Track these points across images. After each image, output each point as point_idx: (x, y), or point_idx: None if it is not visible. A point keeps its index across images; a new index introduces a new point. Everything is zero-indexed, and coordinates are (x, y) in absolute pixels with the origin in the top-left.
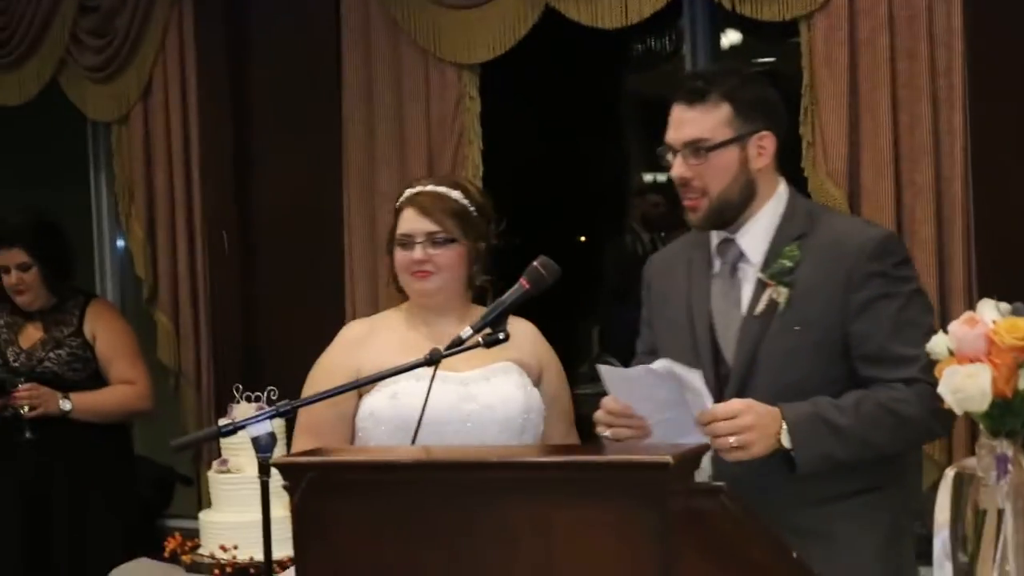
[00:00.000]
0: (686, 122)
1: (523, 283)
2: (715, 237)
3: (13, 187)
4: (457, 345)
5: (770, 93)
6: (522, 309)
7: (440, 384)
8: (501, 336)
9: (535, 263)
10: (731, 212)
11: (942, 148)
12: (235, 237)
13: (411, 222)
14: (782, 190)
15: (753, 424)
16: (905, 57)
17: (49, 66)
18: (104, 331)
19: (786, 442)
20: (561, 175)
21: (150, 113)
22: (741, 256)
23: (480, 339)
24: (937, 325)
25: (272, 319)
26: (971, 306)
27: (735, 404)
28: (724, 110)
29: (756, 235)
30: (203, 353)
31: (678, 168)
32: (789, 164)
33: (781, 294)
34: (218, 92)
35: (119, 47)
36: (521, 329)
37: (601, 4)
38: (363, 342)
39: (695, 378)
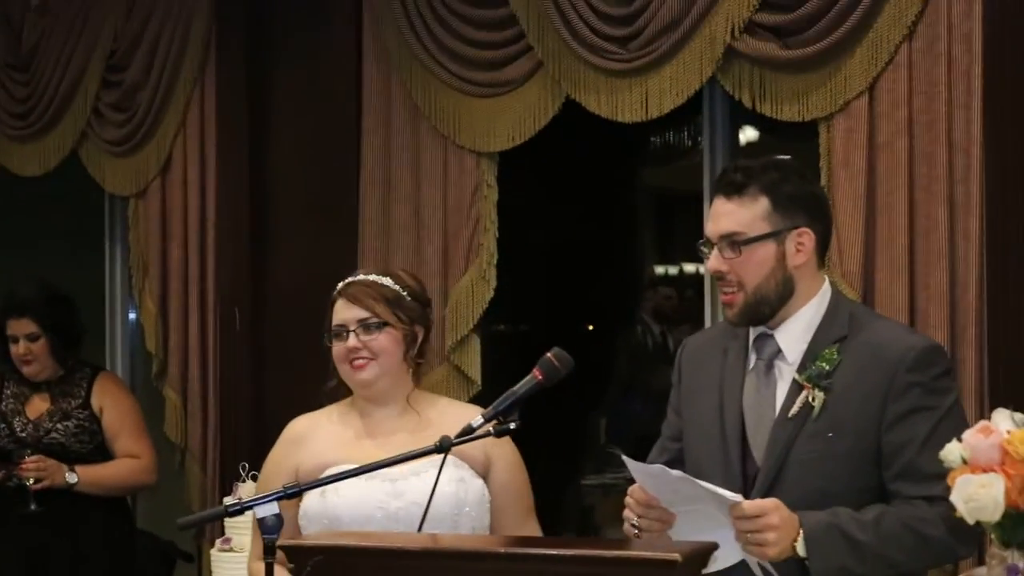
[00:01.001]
0: (723, 215)
1: (536, 374)
2: (753, 331)
3: (29, 257)
4: (468, 433)
5: (813, 189)
6: (529, 397)
7: (366, 481)
8: (512, 426)
9: (549, 355)
10: (768, 308)
11: (957, 253)
12: (248, 315)
13: (342, 312)
14: (825, 288)
15: (777, 525)
16: (923, 162)
17: (70, 138)
18: (111, 405)
19: (801, 550)
20: (573, 264)
21: (168, 188)
22: (778, 353)
23: (491, 428)
24: None
25: (281, 399)
26: (983, 413)
27: (765, 503)
28: (762, 204)
29: (794, 333)
30: (210, 430)
31: (714, 261)
32: None
33: (817, 398)
34: (237, 170)
35: (140, 122)
36: (455, 413)
37: (622, 98)
38: (302, 440)
39: (723, 492)
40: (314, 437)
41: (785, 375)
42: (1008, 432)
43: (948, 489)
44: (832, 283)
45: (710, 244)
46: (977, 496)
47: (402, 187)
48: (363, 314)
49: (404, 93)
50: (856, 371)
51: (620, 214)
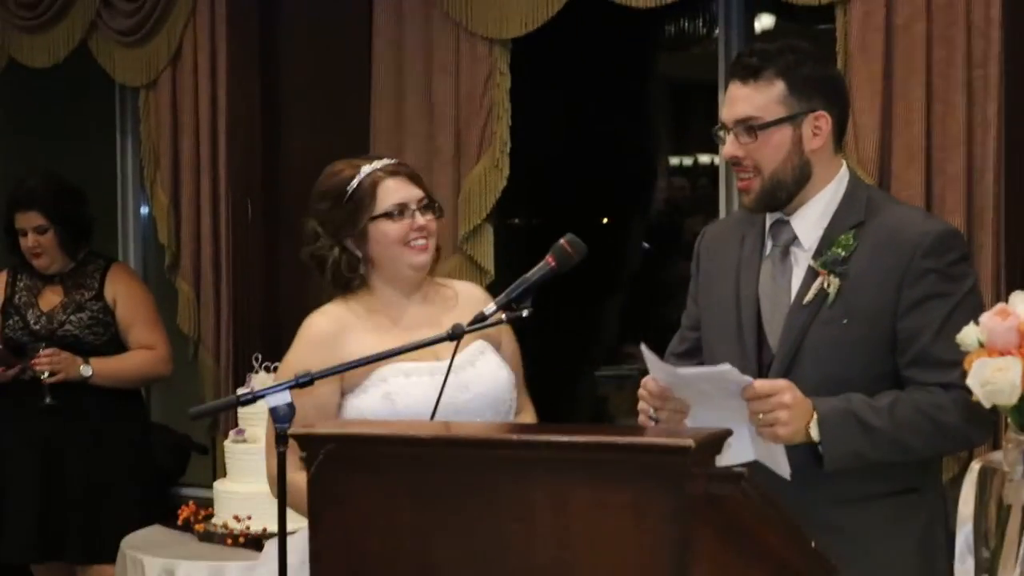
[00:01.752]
0: (738, 100)
1: (549, 260)
2: (769, 217)
3: (40, 150)
4: (481, 320)
5: (831, 72)
6: (544, 288)
7: (429, 377)
8: (524, 313)
9: (562, 241)
10: (785, 194)
11: (975, 138)
12: (260, 206)
13: (400, 190)
14: (843, 174)
15: (791, 404)
16: (942, 45)
17: (79, 29)
18: (124, 296)
19: (815, 435)
20: (587, 155)
21: (179, 79)
22: (794, 240)
23: (503, 316)
24: None
25: (294, 290)
26: (1000, 297)
27: (778, 382)
28: (778, 88)
29: (811, 219)
30: (223, 321)
31: (730, 147)
32: None
33: (832, 284)
34: (247, 59)
35: (150, 11)
36: (472, 294)
37: None
38: (336, 341)
39: (731, 371)
40: (348, 336)
41: (801, 261)
42: None
43: (963, 375)
44: (850, 168)
45: (726, 129)
46: (994, 379)
47: (414, 74)
48: (421, 193)
49: None
50: (871, 257)
51: (634, 104)
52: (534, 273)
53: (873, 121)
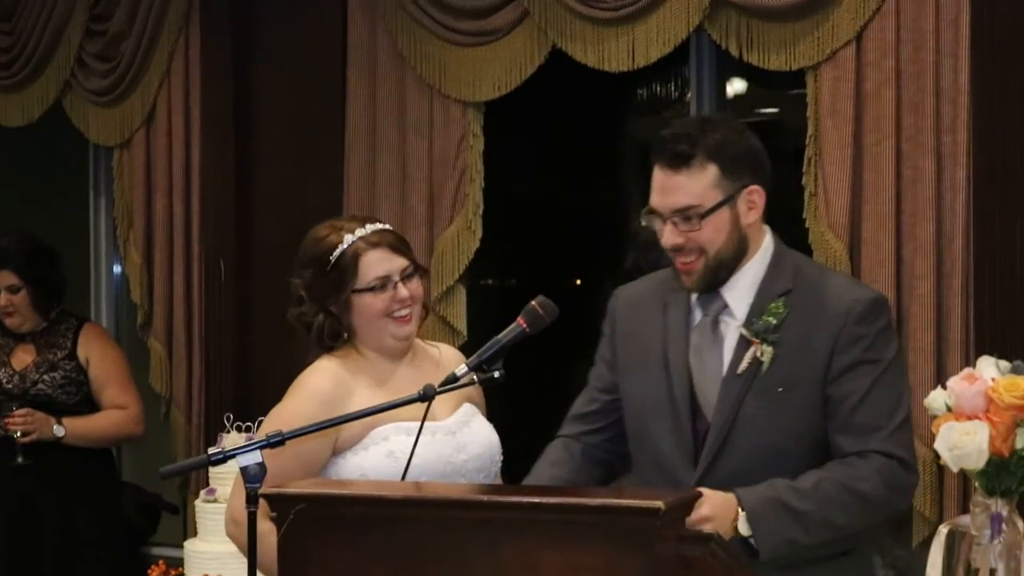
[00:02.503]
0: (673, 189)
1: (520, 322)
2: None
3: (13, 208)
4: (452, 382)
5: (752, 142)
6: (516, 350)
7: (430, 437)
8: (496, 375)
9: (533, 303)
10: (726, 272)
11: (944, 203)
12: (232, 266)
13: (383, 263)
14: (767, 241)
15: (710, 516)
16: (911, 111)
17: (53, 88)
18: (97, 356)
19: (744, 530)
20: (559, 216)
21: (152, 139)
22: (724, 309)
23: (475, 377)
24: (933, 382)
25: (266, 350)
26: (968, 363)
27: (690, 496)
28: (711, 172)
29: (741, 288)
30: (195, 381)
31: (671, 236)
32: (791, 214)
33: (766, 352)
34: (221, 119)
35: (124, 71)
36: (451, 357)
37: (608, 47)
38: (338, 401)
39: None
40: (352, 395)
41: (732, 331)
42: (993, 380)
43: (887, 440)
44: (773, 233)
45: (660, 217)
46: (961, 443)
47: (387, 137)
48: (404, 262)
49: (389, 42)
50: (803, 324)
51: (606, 166)
52: (505, 335)
53: (843, 186)
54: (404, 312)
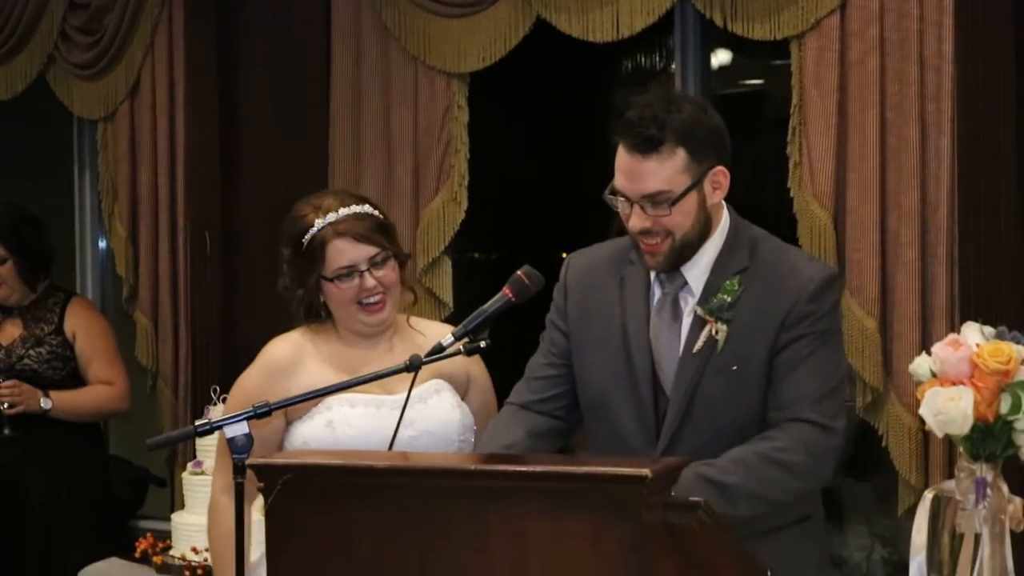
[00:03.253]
0: (644, 174)
1: (506, 292)
2: None
3: None
4: (438, 352)
5: (716, 120)
6: (501, 321)
7: (375, 410)
8: (482, 344)
9: (519, 272)
10: (691, 251)
11: (928, 172)
12: (218, 238)
13: (347, 252)
14: (726, 218)
15: None
16: (895, 80)
17: (37, 62)
18: (84, 330)
19: None
20: (544, 188)
21: (137, 111)
22: (684, 287)
23: (461, 347)
24: (918, 350)
25: (252, 322)
26: (954, 330)
27: None
28: (680, 156)
29: (701, 266)
30: (181, 354)
31: (638, 220)
32: (776, 183)
33: (720, 331)
34: (206, 92)
35: (108, 45)
36: (440, 334)
37: (593, 17)
38: (289, 371)
39: None
40: (301, 368)
41: (691, 308)
42: (977, 345)
43: (809, 409)
44: (729, 207)
45: (627, 200)
46: (946, 409)
47: (372, 109)
48: (372, 250)
49: (374, 14)
50: (758, 301)
51: (590, 138)
52: (491, 304)
53: (828, 155)
54: (373, 299)
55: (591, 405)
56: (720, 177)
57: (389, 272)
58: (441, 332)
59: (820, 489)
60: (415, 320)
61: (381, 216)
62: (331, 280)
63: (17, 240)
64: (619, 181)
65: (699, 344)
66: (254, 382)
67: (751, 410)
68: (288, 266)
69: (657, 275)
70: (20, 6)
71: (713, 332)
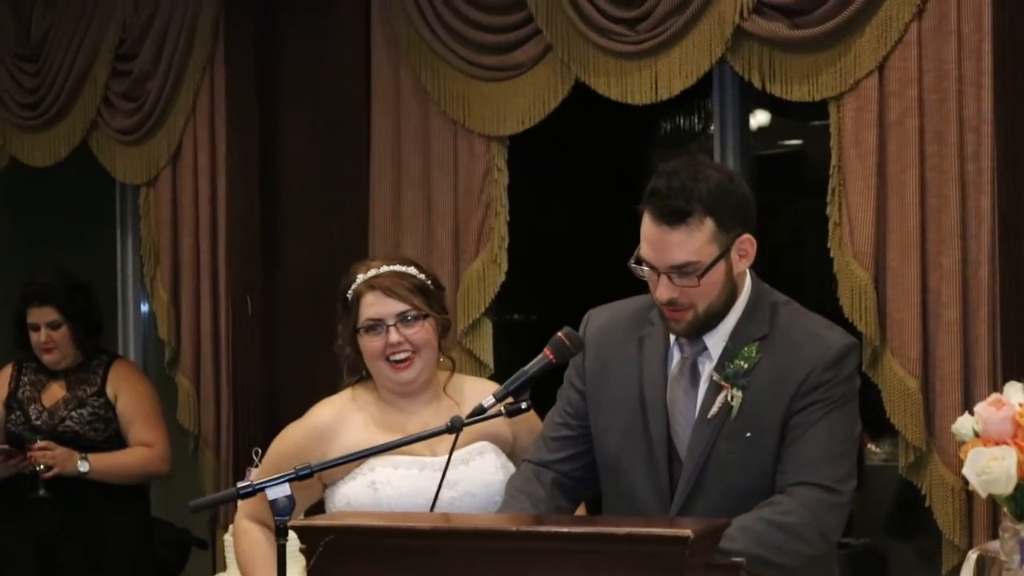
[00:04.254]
0: (671, 246)
1: (547, 353)
2: None
3: (40, 248)
4: (479, 413)
5: (743, 188)
6: (543, 382)
7: (417, 471)
8: (523, 406)
9: (559, 334)
10: (716, 320)
11: (969, 232)
12: (259, 302)
13: (375, 306)
14: (748, 284)
15: None
16: (934, 140)
17: (80, 128)
18: (126, 392)
19: None
20: (584, 250)
21: (178, 176)
22: (704, 351)
23: (502, 408)
24: (960, 410)
25: (293, 385)
26: (995, 390)
27: None
28: (708, 227)
29: (722, 332)
30: (223, 416)
31: (665, 291)
32: (816, 244)
33: (735, 397)
34: (247, 157)
35: (150, 110)
36: (485, 393)
37: (631, 80)
38: (332, 434)
39: None
40: (344, 431)
41: (708, 373)
42: (1020, 404)
43: (815, 472)
44: (752, 273)
45: (654, 270)
46: (990, 469)
47: (412, 172)
48: (401, 307)
49: (413, 78)
50: (774, 370)
51: (630, 200)
52: (532, 366)
53: (868, 216)
54: (399, 356)
55: (606, 467)
56: (747, 245)
57: (419, 331)
58: (484, 390)
59: (834, 557)
60: (459, 377)
61: (426, 279)
62: (360, 331)
63: (71, 306)
64: (645, 251)
65: (714, 410)
66: (295, 441)
67: (764, 476)
68: (339, 323)
69: (677, 339)
70: (64, 73)
71: (728, 398)
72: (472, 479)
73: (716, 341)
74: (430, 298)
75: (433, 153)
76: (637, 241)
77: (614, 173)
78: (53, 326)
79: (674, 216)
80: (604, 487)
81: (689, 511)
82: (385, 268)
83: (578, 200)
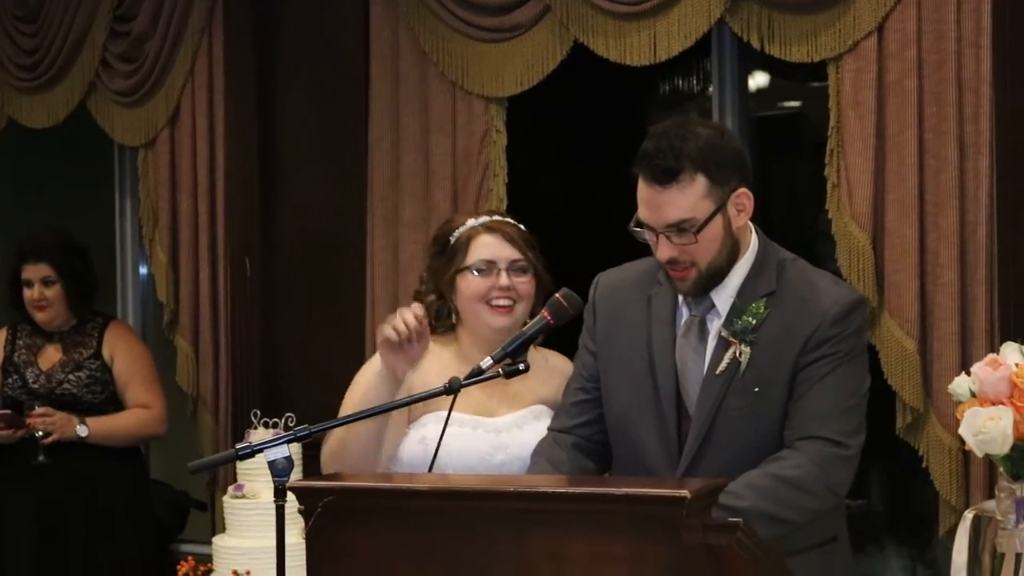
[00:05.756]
0: (664, 204)
1: (545, 315)
2: None
3: (39, 209)
4: (477, 375)
5: (734, 143)
6: (544, 343)
7: (471, 431)
8: (521, 367)
9: (557, 295)
10: (720, 276)
11: (967, 193)
12: (258, 264)
13: (491, 247)
14: (753, 241)
15: None
16: (933, 101)
17: (78, 90)
18: (122, 354)
19: None
20: (582, 212)
21: (177, 138)
22: (711, 309)
23: (500, 370)
24: (958, 371)
25: (292, 346)
26: (993, 351)
27: None
28: (700, 183)
29: (728, 289)
30: (222, 378)
31: (665, 250)
32: (815, 205)
33: (743, 353)
34: (245, 118)
35: (148, 72)
36: (556, 365)
37: (630, 41)
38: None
39: None
40: (424, 366)
41: (717, 330)
42: (1017, 365)
43: (822, 426)
44: (758, 230)
45: (652, 231)
46: (986, 428)
47: (410, 134)
48: (516, 254)
49: (411, 39)
50: (782, 325)
51: (629, 161)
52: (530, 327)
53: (866, 176)
54: (503, 302)
55: (615, 426)
56: (743, 199)
57: (527, 282)
58: (555, 360)
59: (844, 511)
60: (538, 350)
61: (531, 238)
62: (468, 270)
63: (67, 265)
64: (642, 212)
65: (722, 366)
66: (366, 379)
67: (772, 432)
68: (428, 270)
69: (685, 298)
70: (62, 35)
71: (737, 354)
72: (523, 443)
73: (724, 298)
74: (535, 251)
75: (431, 115)
76: (635, 203)
77: (613, 134)
78: (47, 283)
79: (665, 175)
80: (613, 445)
81: (697, 467)
82: (497, 217)
83: (577, 163)
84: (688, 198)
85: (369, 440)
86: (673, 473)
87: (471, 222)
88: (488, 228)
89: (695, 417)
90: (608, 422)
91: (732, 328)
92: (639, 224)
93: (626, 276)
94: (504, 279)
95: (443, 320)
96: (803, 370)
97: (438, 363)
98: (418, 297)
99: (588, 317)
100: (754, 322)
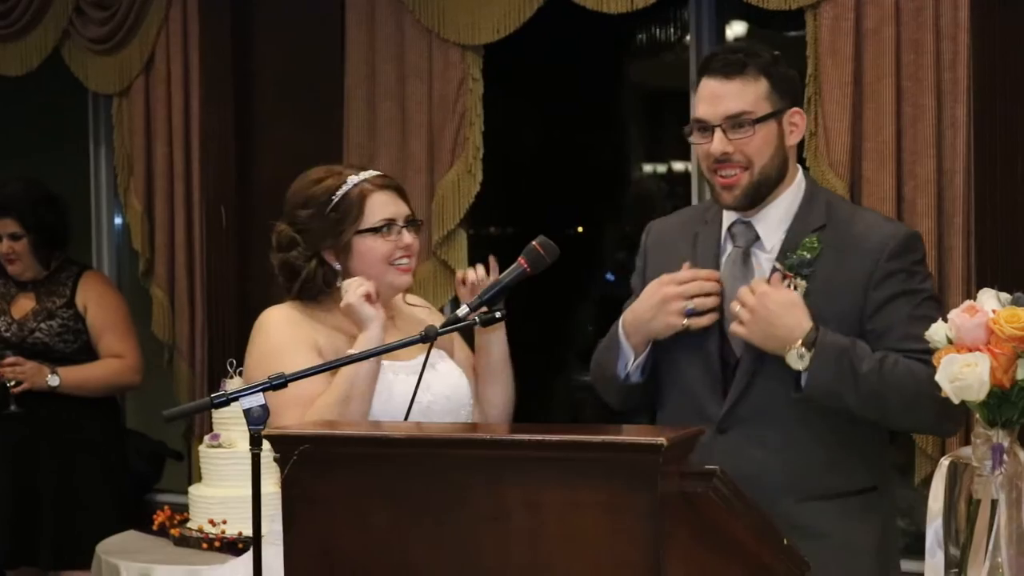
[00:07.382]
0: (725, 96)
1: (521, 263)
2: (727, 218)
3: (13, 158)
4: (454, 323)
5: (795, 73)
6: (519, 294)
7: (392, 375)
8: (498, 315)
9: (534, 243)
10: (767, 190)
11: (944, 141)
12: (233, 212)
13: (388, 206)
14: (800, 177)
15: (755, 308)
16: (911, 49)
17: (51, 37)
18: (96, 303)
19: (794, 362)
20: (559, 162)
21: (152, 86)
22: (756, 240)
23: (476, 318)
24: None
25: (268, 295)
26: (970, 298)
27: (756, 285)
28: (763, 84)
29: (773, 221)
30: (197, 328)
31: (720, 144)
32: None
33: (799, 287)
34: (220, 66)
35: (123, 19)
36: (412, 311)
37: None
38: (305, 321)
39: None
40: (315, 322)
41: (763, 263)
42: (994, 311)
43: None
44: (805, 171)
45: (707, 127)
46: (962, 375)
47: (386, 82)
48: (408, 211)
49: None
50: (836, 260)
51: (605, 111)
52: (507, 275)
53: (843, 125)
54: (405, 261)
55: (662, 362)
56: (797, 118)
57: (416, 238)
58: (414, 305)
59: (889, 459)
60: (407, 298)
61: None
62: (370, 232)
63: (34, 218)
64: (701, 109)
65: None
66: (287, 334)
67: None
68: (303, 232)
69: (728, 229)
70: None
71: (791, 287)
72: (443, 382)
73: (768, 229)
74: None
75: (407, 63)
76: (611, 152)
77: (590, 85)
78: (14, 237)
79: (732, 67)
80: (660, 385)
81: (743, 404)
82: (374, 172)
83: (554, 113)
84: (750, 92)
85: (370, 391)
86: (719, 410)
87: (354, 178)
88: (379, 186)
89: (745, 350)
90: (657, 359)
91: (787, 262)
92: (693, 128)
93: (675, 220)
94: (407, 237)
95: (332, 285)
96: (882, 309)
97: (326, 326)
98: (294, 263)
99: (639, 261)
100: (809, 256)
